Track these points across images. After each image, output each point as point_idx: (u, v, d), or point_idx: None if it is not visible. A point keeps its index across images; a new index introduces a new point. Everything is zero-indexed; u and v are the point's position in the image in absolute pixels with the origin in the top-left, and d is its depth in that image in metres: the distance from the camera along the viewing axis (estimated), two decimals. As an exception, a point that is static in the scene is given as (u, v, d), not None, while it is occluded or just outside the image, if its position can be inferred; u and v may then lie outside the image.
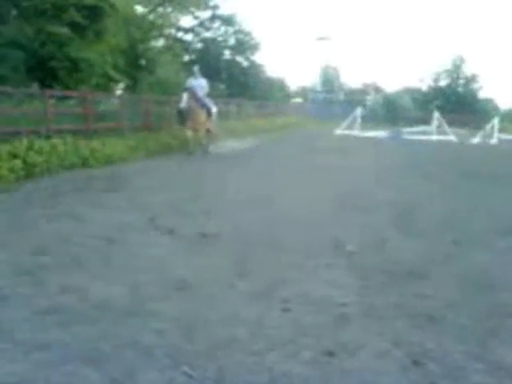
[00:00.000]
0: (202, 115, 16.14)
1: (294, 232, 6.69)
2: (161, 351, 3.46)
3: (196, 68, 16.90)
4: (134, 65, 26.78)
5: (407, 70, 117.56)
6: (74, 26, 19.79)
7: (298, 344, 3.62)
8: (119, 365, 3.28)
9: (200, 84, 16.45)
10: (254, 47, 52.59)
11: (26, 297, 4.34)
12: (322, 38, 61.64)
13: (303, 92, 72.88)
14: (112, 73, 22.48)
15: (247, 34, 52.14)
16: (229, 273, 5.08)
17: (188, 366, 3.24)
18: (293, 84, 79.89)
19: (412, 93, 56.14)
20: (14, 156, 10.62)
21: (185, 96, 15.67)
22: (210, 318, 4.00)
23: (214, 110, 17.14)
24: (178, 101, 16.07)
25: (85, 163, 12.62)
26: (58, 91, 16.17)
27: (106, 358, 3.37)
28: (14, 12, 20.40)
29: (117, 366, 3.27)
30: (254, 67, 52.22)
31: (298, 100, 69.73)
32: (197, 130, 16.14)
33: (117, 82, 24.73)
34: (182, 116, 15.91)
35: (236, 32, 51.68)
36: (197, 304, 4.29)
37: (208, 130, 17.10)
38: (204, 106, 16.33)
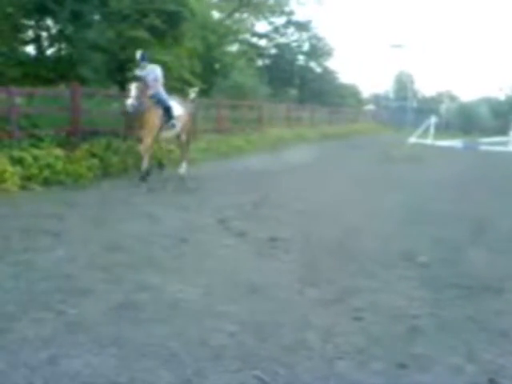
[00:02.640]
0: (156, 118, 10.61)
1: (365, 242, 6.61)
2: (231, 353, 3.49)
3: (139, 54, 11.03)
4: (209, 69, 27.16)
5: (485, 79, 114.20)
6: (153, 30, 20.31)
7: (369, 354, 3.57)
8: (190, 364, 3.33)
9: (153, 73, 10.94)
10: (328, 53, 52.42)
11: (103, 292, 4.48)
12: (396, 46, 60.80)
13: (376, 99, 72.04)
14: (188, 76, 22.89)
15: (321, 39, 52.00)
16: (298, 278, 5.07)
17: (259, 370, 3.26)
18: (365, 91, 78.98)
19: (489, 102, 54.46)
20: (93, 155, 10.99)
21: (134, 89, 10.24)
22: (281, 322, 4.00)
23: (180, 111, 11.43)
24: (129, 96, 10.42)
25: (158, 164, 12.90)
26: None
27: (177, 356, 3.43)
28: (97, 16, 21.08)
29: (188, 365, 3.32)
30: (328, 73, 52.04)
31: (371, 107, 68.97)
32: (144, 138, 10.53)
33: (192, 85, 25.17)
34: (131, 120, 10.94)
35: (310, 38, 51.65)
36: (267, 308, 4.30)
37: (161, 144, 12.04)
38: (160, 103, 10.83)
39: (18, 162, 9.38)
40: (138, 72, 11.16)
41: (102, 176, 10.69)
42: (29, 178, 9.43)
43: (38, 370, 3.18)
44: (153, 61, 20.58)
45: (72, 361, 3.29)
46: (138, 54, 11.09)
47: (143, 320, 3.94)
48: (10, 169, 9.05)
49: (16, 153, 9.56)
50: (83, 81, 15.50)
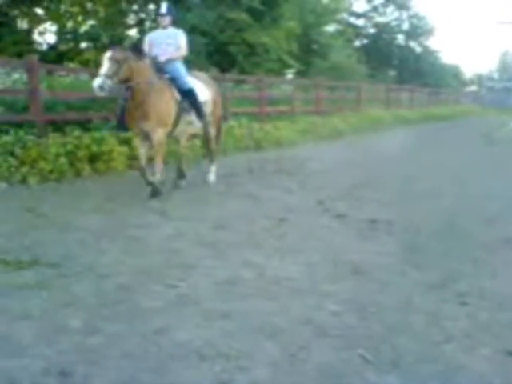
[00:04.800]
0: (171, 103, 7.49)
1: (469, 225, 6.40)
2: (335, 331, 3.52)
3: (165, 7, 7.92)
4: (307, 50, 27.09)
5: None
6: (252, 11, 20.48)
7: (476, 339, 3.50)
8: (295, 340, 3.39)
9: (170, 38, 7.84)
10: (429, 32, 50.95)
11: (209, 267, 4.63)
12: (503, 22, 58.02)
13: (479, 80, 69.41)
14: (286, 58, 22.96)
15: (422, 18, 50.60)
16: (401, 261, 5.02)
17: (362, 349, 3.28)
18: (468, 71, 76.07)
19: None
20: (194, 136, 11.25)
21: (106, 62, 6.74)
22: (384, 303, 3.99)
23: (207, 95, 8.25)
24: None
25: (258, 146, 13.08)
26: (236, 75, 16.85)
27: (281, 332, 3.49)
28: (197, 0, 21.51)
29: (292, 341, 3.38)
30: (428, 53, 50.54)
31: (473, 88, 66.41)
32: (148, 135, 7.34)
33: (290, 66, 25.19)
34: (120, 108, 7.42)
35: (410, 17, 50.34)
36: (369, 288, 4.29)
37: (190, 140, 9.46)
38: (176, 82, 7.66)
39: (125, 142, 9.77)
40: (150, 34, 8.18)
41: (203, 156, 10.94)
42: (135, 158, 9.80)
43: (150, 338, 3.35)
44: (250, 43, 20.97)
45: (183, 332, 3.43)
46: (164, 6, 7.94)
47: (248, 296, 4.04)
48: (117, 148, 9.46)
49: (122, 134, 9.95)
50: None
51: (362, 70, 29.29)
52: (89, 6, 23.55)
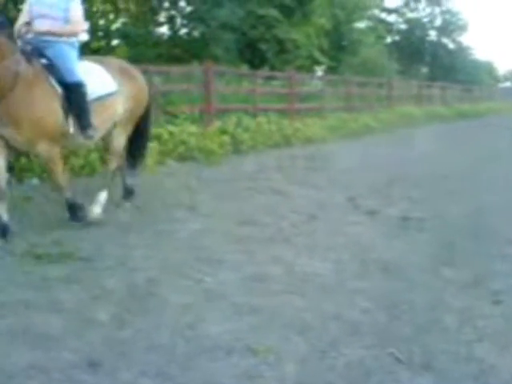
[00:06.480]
0: (46, 100, 5.06)
1: (504, 223, 6.27)
2: (365, 328, 3.47)
3: None
4: (337, 46, 26.93)
5: None
6: (282, 8, 20.42)
7: (510, 338, 3.42)
8: (325, 337, 3.34)
9: (59, 9, 5.39)
10: (462, 28, 50.29)
11: (237, 263, 4.62)
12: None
13: (513, 76, 68.32)
14: (316, 54, 22.86)
15: (455, 14, 49.95)
16: (433, 259, 4.93)
17: (393, 348, 3.22)
18: (502, 68, 74.91)
19: None
20: (224, 132, 11.27)
21: None
22: (415, 301, 3.91)
23: (111, 86, 5.65)
24: None
25: (287, 142, 13.05)
26: (266, 72, 16.81)
27: (311, 328, 3.45)
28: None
29: (322, 337, 3.34)
30: (461, 49, 49.87)
31: (507, 84, 65.37)
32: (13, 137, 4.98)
33: (320, 63, 25.08)
34: None
35: (443, 12, 49.74)
36: (400, 286, 4.22)
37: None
38: (56, 71, 5.21)
39: (156, 137, 9.79)
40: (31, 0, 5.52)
41: (232, 153, 10.95)
42: (165, 154, 9.84)
43: (179, 332, 3.34)
44: (280, 39, 20.95)
45: (211, 326, 3.41)
46: None
47: (277, 291, 4.01)
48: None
49: (153, 129, 9.98)
50: (215, 60, 15.93)
51: (393, 67, 29.00)
52: (120, 4, 23.75)
